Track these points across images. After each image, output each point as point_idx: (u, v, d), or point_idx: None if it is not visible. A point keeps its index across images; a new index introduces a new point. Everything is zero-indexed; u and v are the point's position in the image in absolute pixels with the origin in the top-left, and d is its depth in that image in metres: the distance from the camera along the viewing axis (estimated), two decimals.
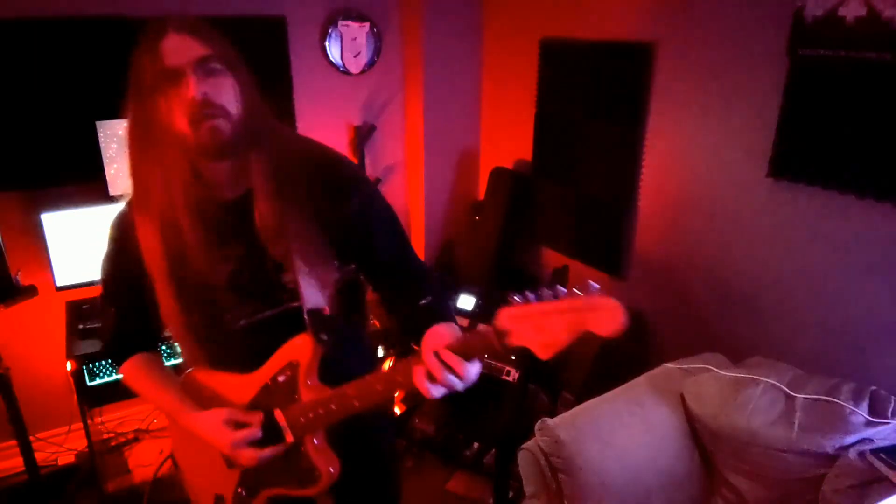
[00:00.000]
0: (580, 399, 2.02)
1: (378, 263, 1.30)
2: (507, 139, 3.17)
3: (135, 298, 1.23)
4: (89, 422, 2.28)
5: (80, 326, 2.34)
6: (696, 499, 1.90)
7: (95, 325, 2.34)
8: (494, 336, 0.99)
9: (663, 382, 2.02)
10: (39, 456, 2.50)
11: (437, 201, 3.35)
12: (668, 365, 2.10)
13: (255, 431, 1.21)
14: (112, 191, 2.47)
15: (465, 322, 2.51)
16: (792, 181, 1.96)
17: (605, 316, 0.90)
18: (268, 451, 1.21)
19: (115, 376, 2.21)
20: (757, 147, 2.03)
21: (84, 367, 2.22)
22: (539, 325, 0.95)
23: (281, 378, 1.22)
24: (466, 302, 2.55)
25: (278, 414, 1.22)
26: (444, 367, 1.03)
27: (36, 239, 2.37)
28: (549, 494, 1.82)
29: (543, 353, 0.96)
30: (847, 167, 1.81)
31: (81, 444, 2.67)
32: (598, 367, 2.64)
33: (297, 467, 1.25)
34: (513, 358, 2.34)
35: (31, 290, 2.25)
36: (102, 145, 2.40)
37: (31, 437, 2.34)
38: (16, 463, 2.54)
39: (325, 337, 1.19)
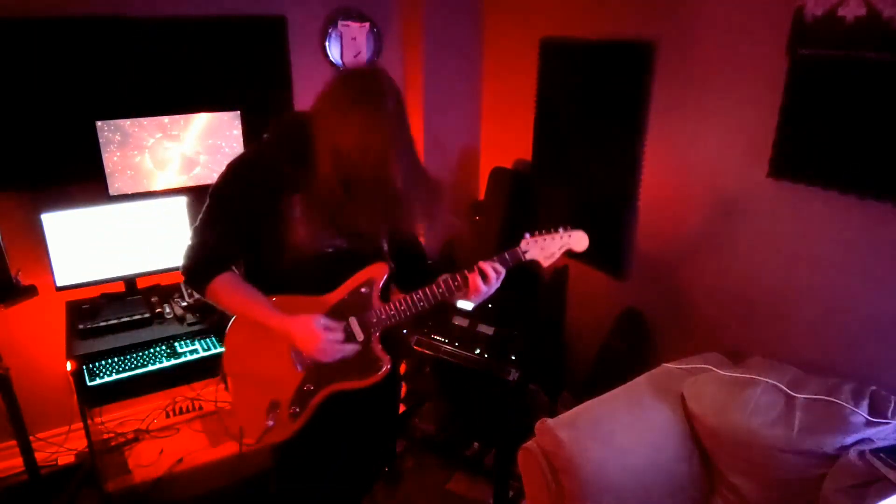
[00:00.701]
0: (580, 399, 2.02)
1: (402, 235, 1.71)
2: (507, 139, 3.17)
3: (246, 220, 1.50)
4: (89, 422, 2.28)
5: (80, 326, 2.33)
6: (696, 499, 1.90)
7: (96, 325, 2.34)
8: (520, 252, 1.60)
9: (663, 382, 2.02)
10: (39, 456, 2.50)
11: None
12: (668, 365, 2.10)
13: (340, 334, 1.56)
14: (112, 191, 2.47)
15: (464, 322, 2.51)
16: (792, 181, 1.96)
17: (579, 239, 1.62)
18: (348, 347, 1.56)
19: (114, 376, 2.21)
20: (757, 147, 2.03)
21: (84, 367, 2.21)
22: (542, 246, 1.60)
23: (363, 290, 1.60)
24: (466, 302, 2.55)
25: (352, 320, 1.59)
26: (492, 270, 1.55)
27: (36, 239, 2.37)
28: (549, 494, 1.82)
29: (546, 262, 1.61)
30: (847, 167, 1.81)
31: (81, 444, 2.67)
32: (598, 367, 2.64)
33: (361, 361, 1.61)
34: (513, 358, 2.34)
35: (31, 290, 2.25)
36: (102, 145, 2.40)
37: (31, 437, 2.34)
38: (16, 463, 2.54)
39: (392, 265, 1.63)
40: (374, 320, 1.59)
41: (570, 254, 1.63)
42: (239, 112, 2.63)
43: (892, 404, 1.71)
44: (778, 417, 1.76)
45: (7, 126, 2.36)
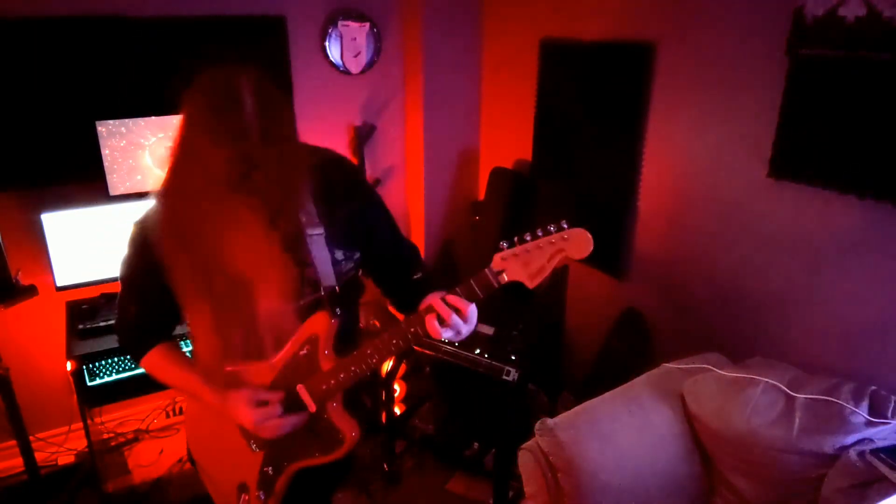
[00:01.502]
0: (580, 399, 2.02)
1: (377, 248, 1.46)
2: (507, 139, 3.17)
3: (158, 294, 1.30)
4: (89, 422, 2.28)
5: (80, 326, 2.34)
6: (695, 499, 1.90)
7: (96, 325, 2.35)
8: (491, 276, 1.18)
9: (663, 382, 2.02)
10: (39, 456, 2.50)
11: (437, 201, 3.35)
12: (668, 365, 2.10)
13: (277, 408, 1.33)
14: (112, 191, 2.47)
15: None
16: (792, 181, 1.96)
17: (578, 243, 1.13)
18: (289, 421, 1.34)
19: (114, 376, 2.22)
20: (757, 147, 2.03)
21: (84, 367, 2.22)
22: (526, 261, 1.16)
23: (302, 352, 1.36)
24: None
25: (300, 388, 1.36)
26: (452, 310, 1.21)
27: (36, 239, 2.37)
28: (549, 494, 1.82)
29: (531, 283, 1.17)
30: (847, 167, 1.81)
31: (81, 444, 2.67)
32: (598, 367, 2.64)
33: (320, 435, 1.39)
34: (513, 358, 2.34)
35: (31, 290, 2.25)
36: (102, 145, 2.40)
37: (31, 437, 2.34)
38: (16, 463, 2.54)
39: (338, 311, 1.35)
40: (324, 387, 1.34)
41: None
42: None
43: (892, 404, 1.71)
44: (778, 417, 1.76)
45: (7, 126, 2.36)
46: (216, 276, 1.23)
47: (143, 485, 2.64)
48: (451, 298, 1.21)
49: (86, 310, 2.44)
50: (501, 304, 2.53)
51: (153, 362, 1.43)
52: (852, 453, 1.64)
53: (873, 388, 1.77)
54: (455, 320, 1.21)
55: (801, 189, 1.94)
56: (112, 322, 2.36)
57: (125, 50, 2.49)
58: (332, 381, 1.34)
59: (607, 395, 1.98)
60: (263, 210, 1.19)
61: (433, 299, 1.23)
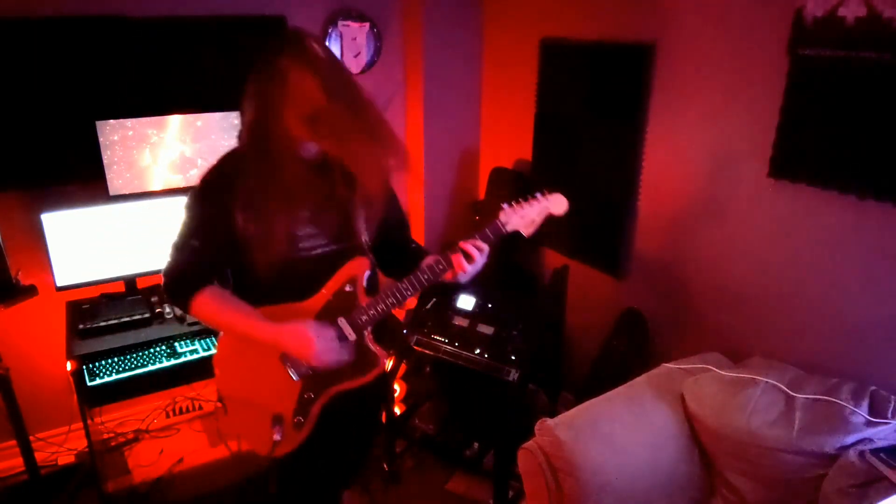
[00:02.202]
0: (580, 399, 2.02)
1: (389, 218, 1.70)
2: (508, 139, 3.17)
3: (220, 238, 1.48)
4: (89, 422, 2.28)
5: (81, 326, 2.33)
6: (695, 499, 1.90)
7: (96, 325, 2.34)
8: (500, 224, 1.59)
9: (663, 382, 2.02)
10: (39, 456, 2.50)
11: (438, 201, 3.35)
12: (668, 365, 2.11)
13: (333, 332, 1.55)
14: (112, 191, 2.47)
15: (464, 322, 2.51)
16: (792, 181, 1.96)
17: (557, 202, 1.65)
18: (344, 349, 1.55)
19: (114, 376, 2.21)
20: (757, 147, 2.03)
21: (84, 367, 2.21)
22: (521, 215, 1.60)
23: (347, 289, 1.58)
24: (466, 302, 2.55)
25: (341, 320, 1.57)
26: (475, 248, 1.56)
27: (36, 239, 2.37)
28: (549, 494, 1.82)
29: (527, 231, 1.62)
30: (847, 167, 1.81)
31: (81, 444, 2.67)
32: (598, 367, 2.64)
33: (358, 359, 1.61)
34: (513, 358, 2.34)
35: (31, 290, 2.25)
36: (102, 145, 2.40)
37: (31, 437, 2.34)
38: (16, 463, 2.54)
39: (372, 257, 1.63)
40: (364, 318, 1.58)
41: (552, 219, 1.66)
42: (239, 112, 2.62)
43: (892, 404, 1.72)
44: (778, 417, 1.77)
45: (7, 126, 2.36)
46: (280, 215, 1.46)
47: (142, 485, 2.63)
48: (472, 241, 1.56)
49: (86, 310, 2.44)
50: (502, 304, 2.53)
51: (203, 303, 1.51)
52: (852, 453, 1.65)
53: (873, 388, 1.78)
54: (477, 255, 1.55)
55: (801, 189, 1.95)
56: (113, 322, 2.37)
57: (125, 50, 2.48)
58: (371, 312, 1.57)
59: (607, 394, 1.98)
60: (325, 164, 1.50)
61: (459, 243, 1.55)
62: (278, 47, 1.43)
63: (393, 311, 1.62)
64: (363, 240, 1.61)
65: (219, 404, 2.76)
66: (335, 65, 1.44)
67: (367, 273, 1.61)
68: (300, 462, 1.70)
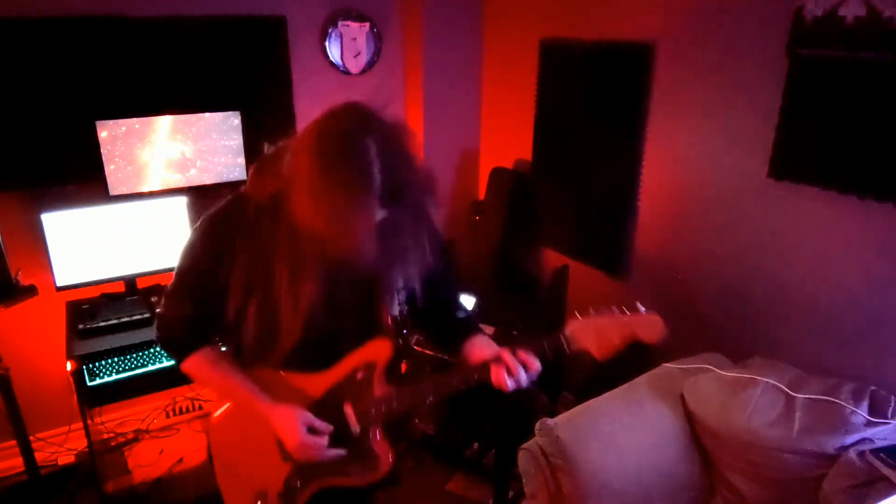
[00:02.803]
0: (580, 399, 2.02)
1: (430, 286, 1.42)
2: (507, 139, 3.17)
3: (217, 294, 1.28)
4: (89, 422, 2.28)
5: (81, 326, 2.33)
6: (696, 499, 1.90)
7: (96, 325, 2.34)
8: (563, 340, 1.28)
9: (663, 382, 2.02)
10: (39, 456, 2.50)
11: (438, 201, 3.34)
12: (668, 365, 2.10)
13: (325, 439, 1.33)
14: (112, 191, 2.47)
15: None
16: (792, 181, 1.96)
17: (651, 327, 1.26)
18: (331, 453, 1.34)
19: (114, 376, 2.21)
20: (757, 147, 2.03)
21: (84, 367, 2.21)
22: (598, 333, 1.26)
23: (359, 375, 1.37)
24: (467, 302, 2.55)
25: (347, 407, 1.36)
26: (520, 364, 1.27)
27: (36, 239, 2.37)
28: (549, 494, 1.82)
29: (599, 355, 1.27)
30: (847, 167, 1.81)
31: (81, 444, 2.67)
32: (598, 368, 2.64)
33: (355, 458, 1.39)
34: None
35: (31, 290, 2.24)
36: (102, 145, 2.40)
37: (30, 437, 2.34)
38: (16, 463, 2.54)
39: (400, 341, 1.38)
40: (373, 412, 1.36)
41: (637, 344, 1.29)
42: (239, 112, 2.63)
43: (892, 404, 1.72)
44: (778, 418, 1.76)
45: (7, 126, 2.36)
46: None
47: (142, 485, 2.63)
48: (522, 354, 1.28)
49: (86, 310, 2.44)
50: (502, 304, 2.53)
51: (198, 363, 1.38)
52: (852, 453, 1.65)
53: (873, 388, 1.78)
54: (521, 375, 1.27)
55: (801, 189, 1.95)
56: (113, 322, 2.37)
57: (125, 50, 2.49)
58: (383, 408, 1.36)
59: (607, 394, 1.98)
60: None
61: (503, 352, 1.29)
62: (360, 127, 1.12)
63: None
64: (389, 316, 1.38)
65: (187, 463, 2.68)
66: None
67: (388, 359, 1.37)
68: None
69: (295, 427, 1.31)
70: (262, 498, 1.44)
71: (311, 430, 1.32)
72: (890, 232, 1.77)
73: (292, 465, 1.41)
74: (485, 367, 1.30)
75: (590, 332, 1.26)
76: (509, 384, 1.28)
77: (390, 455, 1.40)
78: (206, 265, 1.28)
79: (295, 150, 1.15)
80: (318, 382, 1.38)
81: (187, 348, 1.38)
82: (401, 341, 1.39)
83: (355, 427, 1.36)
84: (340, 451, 1.35)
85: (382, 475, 1.40)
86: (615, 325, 1.26)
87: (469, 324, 1.49)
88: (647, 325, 1.26)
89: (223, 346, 1.43)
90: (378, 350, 1.36)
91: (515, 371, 1.27)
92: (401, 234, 1.22)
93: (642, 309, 1.25)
